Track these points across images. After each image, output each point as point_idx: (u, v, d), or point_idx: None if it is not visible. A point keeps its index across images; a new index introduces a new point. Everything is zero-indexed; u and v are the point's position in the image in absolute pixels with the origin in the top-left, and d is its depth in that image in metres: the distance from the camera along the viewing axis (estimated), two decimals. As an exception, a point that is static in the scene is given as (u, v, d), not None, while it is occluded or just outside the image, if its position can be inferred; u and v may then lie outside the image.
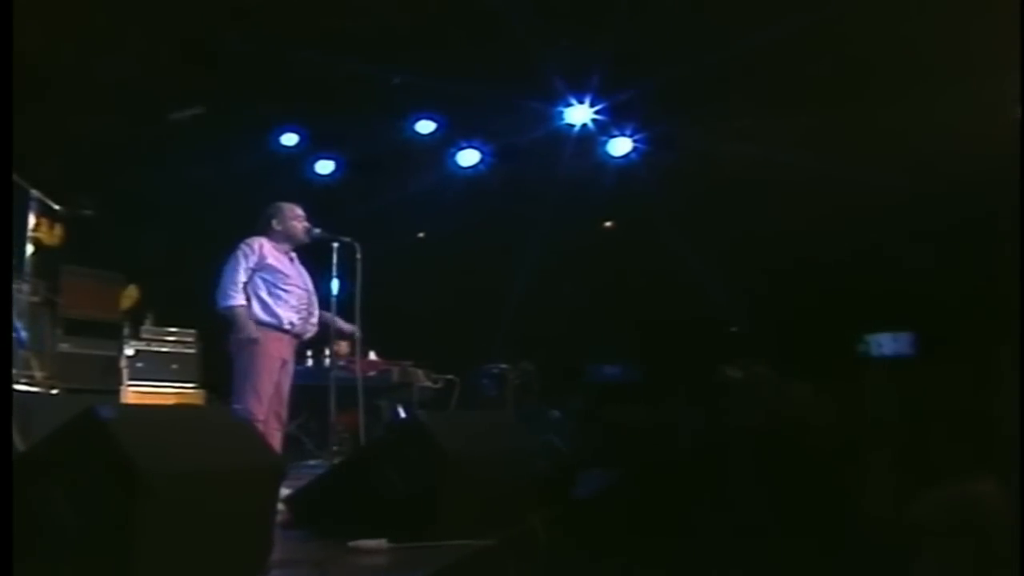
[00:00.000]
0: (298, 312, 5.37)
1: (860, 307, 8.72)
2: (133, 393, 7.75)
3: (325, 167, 10.02)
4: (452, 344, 9.26)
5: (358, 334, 5.77)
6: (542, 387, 9.93)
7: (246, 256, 5.29)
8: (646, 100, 8.87)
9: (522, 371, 9.91)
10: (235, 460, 2.78)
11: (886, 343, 9.02)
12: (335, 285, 5.65)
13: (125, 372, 7.82)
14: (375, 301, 9.16)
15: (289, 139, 9.64)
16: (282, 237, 5.51)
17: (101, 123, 7.78)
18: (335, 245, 5.65)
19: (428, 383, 8.55)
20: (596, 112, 9.18)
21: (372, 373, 8.02)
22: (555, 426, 6.14)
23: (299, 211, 5.59)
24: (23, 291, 6.47)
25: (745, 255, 9.21)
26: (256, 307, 5.24)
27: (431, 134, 9.61)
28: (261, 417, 5.10)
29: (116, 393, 7.73)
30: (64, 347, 7.57)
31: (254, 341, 5.10)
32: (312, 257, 5.75)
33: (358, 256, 5.56)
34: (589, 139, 9.45)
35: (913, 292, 8.27)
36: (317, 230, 5.59)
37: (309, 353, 8.09)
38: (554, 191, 9.52)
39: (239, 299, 5.20)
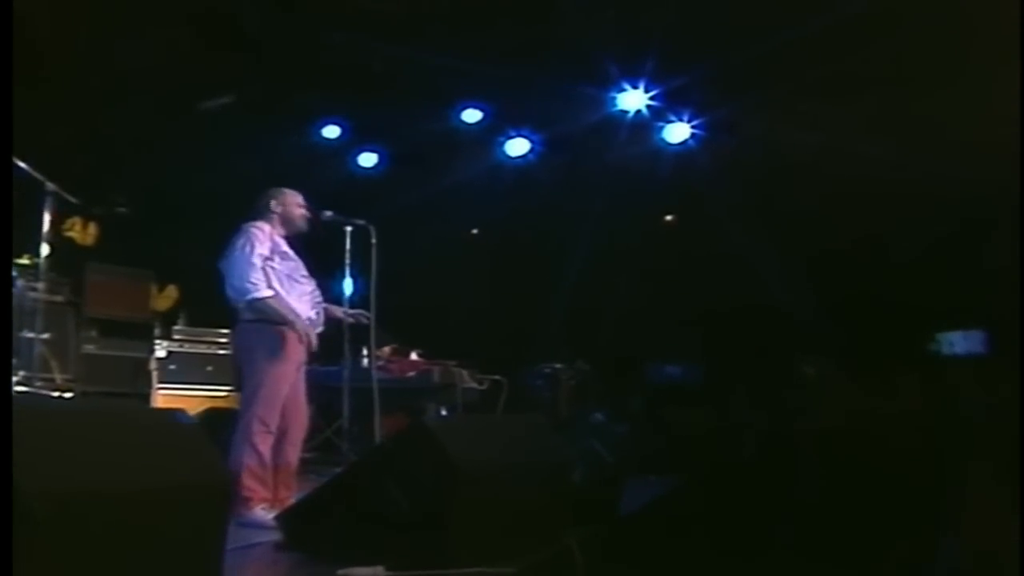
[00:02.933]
0: (313, 307, 4.84)
1: (930, 304, 8.14)
2: (164, 396, 7.42)
3: (368, 160, 9.68)
4: (500, 343, 8.91)
5: (365, 319, 5.23)
6: (598, 388, 9.48)
7: (260, 241, 4.68)
8: (704, 84, 8.38)
9: (577, 371, 9.48)
10: (157, 477, 2.30)
11: (958, 342, 8.60)
12: (348, 284, 5.15)
13: (155, 374, 7.50)
14: (417, 299, 9.12)
15: (331, 131, 9.30)
16: (280, 223, 4.92)
17: (126, 115, 7.44)
18: (348, 229, 5.14)
19: (473, 384, 8.07)
20: (651, 98, 8.68)
21: (411, 374, 7.63)
22: (598, 430, 5.57)
23: (300, 197, 5.02)
24: (38, 289, 6.11)
25: (810, 248, 8.72)
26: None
27: (478, 123, 9.18)
28: (273, 428, 4.62)
29: (146, 396, 7.43)
30: (89, 348, 7.27)
31: (285, 338, 4.59)
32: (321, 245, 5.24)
33: (372, 240, 5.07)
34: (644, 126, 8.93)
35: (985, 288, 7.71)
36: (329, 213, 5.08)
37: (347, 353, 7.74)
38: (608, 180, 9.13)
39: (266, 288, 4.60)
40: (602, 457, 5.25)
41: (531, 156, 9.38)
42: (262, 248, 4.67)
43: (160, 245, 8.30)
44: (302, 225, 4.97)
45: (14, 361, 5.83)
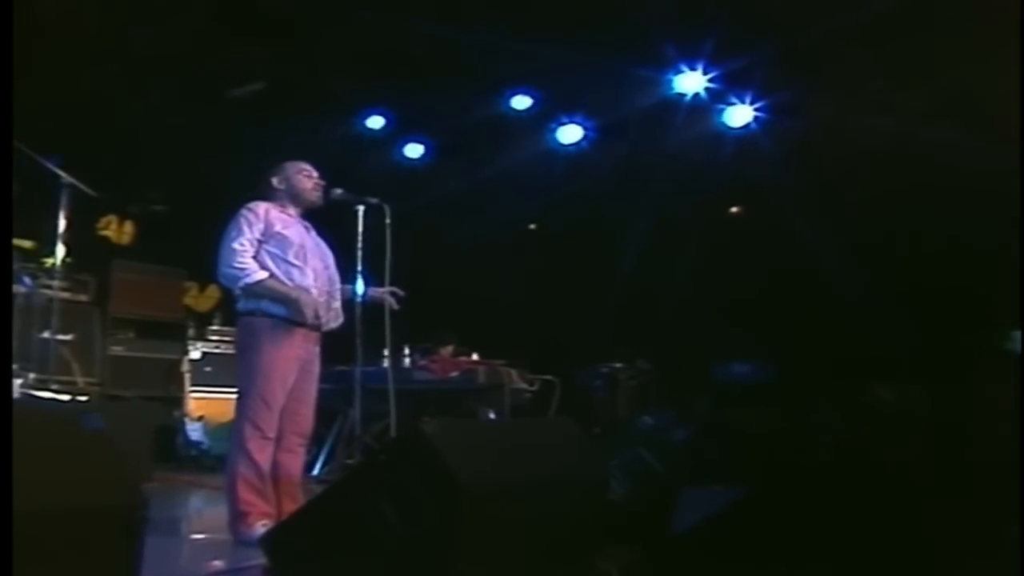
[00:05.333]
0: (321, 294, 4.36)
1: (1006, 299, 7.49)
2: (196, 399, 7.07)
3: (415, 151, 9.30)
4: (552, 341, 8.44)
5: (390, 302, 4.74)
6: (661, 388, 8.95)
7: (249, 224, 4.24)
8: (766, 65, 7.88)
9: (637, 370, 8.96)
10: (46, 495, 1.86)
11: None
12: (360, 283, 4.67)
13: (188, 377, 7.15)
14: (465, 294, 8.75)
15: (375, 122, 8.97)
16: (287, 197, 4.47)
17: (154, 107, 7.12)
18: (360, 209, 4.65)
19: (522, 385, 7.58)
20: (710, 80, 8.18)
21: (454, 374, 7.16)
22: (647, 436, 4.99)
23: (307, 167, 4.56)
24: (54, 288, 5.79)
25: (880, 239, 8.14)
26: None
27: (528, 110, 8.73)
28: (271, 434, 4.20)
29: (179, 400, 7.10)
30: (117, 350, 6.95)
31: (307, 311, 4.17)
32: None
33: (387, 221, 4.58)
34: (703, 109, 8.41)
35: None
36: (338, 190, 4.60)
37: (386, 352, 7.33)
38: (666, 168, 8.64)
39: (259, 270, 4.19)
40: (650, 467, 4.67)
41: (584, 143, 8.89)
42: (252, 231, 4.25)
43: (199, 244, 7.98)
44: (314, 197, 4.51)
45: (26, 363, 5.53)
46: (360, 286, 4.68)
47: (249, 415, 4.16)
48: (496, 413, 7.36)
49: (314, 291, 4.30)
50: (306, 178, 4.50)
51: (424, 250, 8.91)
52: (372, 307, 4.72)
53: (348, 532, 3.03)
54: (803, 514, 3.47)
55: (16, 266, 6.05)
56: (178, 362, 7.22)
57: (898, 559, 3.20)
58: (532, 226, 10.15)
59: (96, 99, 6.98)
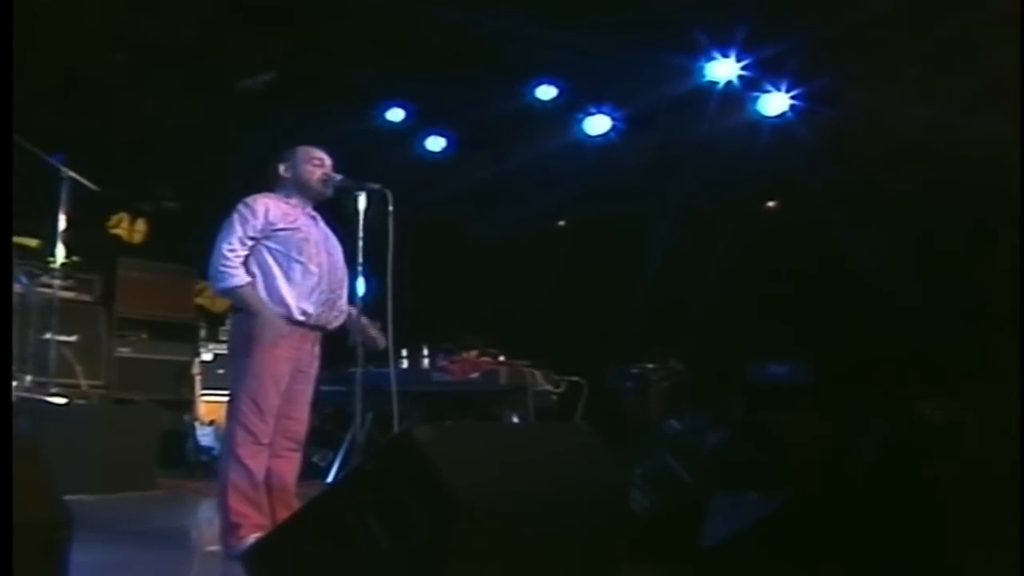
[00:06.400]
0: (316, 293, 4.04)
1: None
2: (207, 403, 6.81)
3: (436, 144, 9.07)
4: (580, 340, 8.16)
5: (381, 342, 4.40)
6: (694, 389, 8.59)
7: (244, 221, 3.97)
8: (803, 50, 7.59)
9: (669, 371, 8.61)
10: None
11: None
12: (360, 283, 4.35)
13: (199, 379, 6.89)
14: (487, 292, 8.49)
15: (395, 114, 8.70)
16: (293, 187, 4.18)
17: (161, 99, 6.87)
18: (361, 195, 4.33)
19: (547, 386, 7.25)
20: (743, 67, 7.89)
21: (474, 375, 6.85)
22: (674, 441, 4.64)
23: (319, 154, 4.25)
24: (54, 287, 5.54)
25: (926, 237, 7.79)
26: (260, 289, 3.95)
27: (553, 100, 8.46)
28: (264, 439, 3.90)
29: (189, 404, 6.84)
30: (125, 351, 6.69)
31: (267, 334, 3.88)
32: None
33: (390, 208, 4.26)
34: (736, 98, 8.11)
35: None
36: (339, 176, 4.29)
37: (405, 353, 7.06)
38: (698, 158, 8.32)
39: (242, 275, 3.93)
40: (678, 475, 4.32)
41: (612, 135, 8.65)
42: (246, 229, 3.97)
43: (203, 239, 7.76)
44: (320, 187, 4.20)
45: (23, 365, 5.30)
46: (361, 285, 4.36)
47: (240, 419, 3.88)
48: (520, 417, 7.07)
49: (316, 294, 4.02)
50: (315, 167, 4.20)
51: (447, 246, 8.73)
52: (375, 307, 4.39)
53: (333, 549, 2.73)
54: (846, 524, 3.22)
55: (18, 265, 5.83)
56: (189, 364, 6.97)
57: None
58: (561, 223, 9.87)
59: (103, 92, 6.75)
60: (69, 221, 5.77)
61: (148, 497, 5.62)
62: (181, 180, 7.94)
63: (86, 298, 6.39)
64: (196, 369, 6.94)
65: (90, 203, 6.32)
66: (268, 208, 4.03)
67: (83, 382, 6.00)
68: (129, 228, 7.62)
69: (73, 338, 5.93)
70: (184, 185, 7.94)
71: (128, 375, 6.61)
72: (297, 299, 3.96)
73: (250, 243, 3.97)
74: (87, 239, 6.77)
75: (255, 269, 3.98)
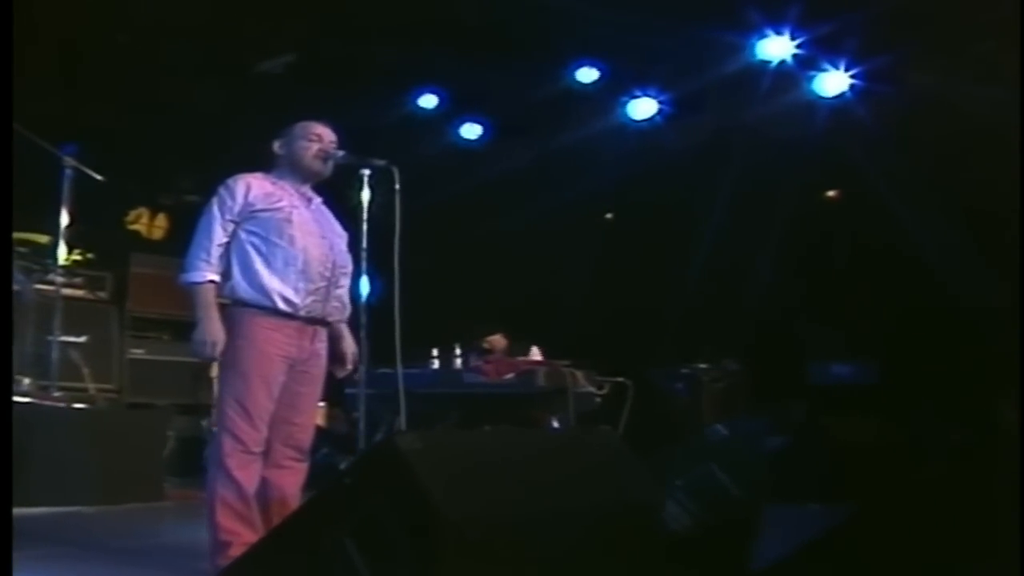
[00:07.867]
0: (303, 281, 3.58)
1: None
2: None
3: (472, 131, 8.89)
4: (625, 338, 7.86)
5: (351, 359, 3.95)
6: (750, 391, 8.18)
7: (222, 204, 3.57)
8: (862, 26, 7.31)
9: (723, 371, 8.20)
10: None
11: None
12: (364, 283, 3.93)
13: (216, 383, 6.51)
14: (524, 286, 8.09)
15: (428, 100, 8.58)
16: (287, 166, 3.77)
17: (178, 86, 6.54)
18: (366, 172, 3.90)
19: (589, 388, 6.81)
20: (798, 44, 7.62)
21: (509, 376, 6.40)
22: (719, 450, 4.15)
23: (319, 129, 3.81)
24: (56, 284, 5.20)
25: (999, 228, 7.21)
26: (239, 279, 3.54)
27: (595, 83, 8.24)
28: (255, 447, 3.49)
29: (208, 408, 6.46)
30: (138, 353, 6.33)
31: (261, 325, 3.48)
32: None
33: (396, 186, 3.82)
34: (791, 77, 7.81)
35: None
36: (341, 152, 3.84)
37: (435, 352, 6.65)
38: (750, 143, 7.95)
39: (206, 271, 3.52)
40: (724, 487, 3.83)
41: (658, 119, 8.39)
42: (224, 214, 3.58)
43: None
44: (316, 166, 3.75)
45: (21, 369, 4.96)
46: (365, 283, 3.93)
47: (228, 425, 3.48)
48: (560, 421, 6.63)
49: (303, 281, 3.57)
50: (310, 143, 3.76)
51: (482, 239, 8.40)
52: (380, 306, 3.96)
53: (305, 574, 2.30)
54: (916, 540, 2.91)
55: (23, 263, 5.52)
56: (207, 366, 6.60)
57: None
58: (608, 215, 9.49)
59: (110, 77, 6.43)
60: (78, 216, 5.45)
61: (154, 509, 5.31)
62: (202, 172, 7.64)
63: (97, 296, 6.05)
64: (215, 372, 6.57)
65: (104, 197, 6.02)
66: (250, 187, 3.60)
67: (91, 385, 5.66)
68: (149, 224, 7.32)
69: (82, 339, 5.60)
70: (206, 178, 7.63)
71: (142, 378, 6.27)
72: (281, 288, 3.52)
73: (231, 227, 3.57)
74: (101, 235, 6.45)
75: (233, 258, 3.57)
